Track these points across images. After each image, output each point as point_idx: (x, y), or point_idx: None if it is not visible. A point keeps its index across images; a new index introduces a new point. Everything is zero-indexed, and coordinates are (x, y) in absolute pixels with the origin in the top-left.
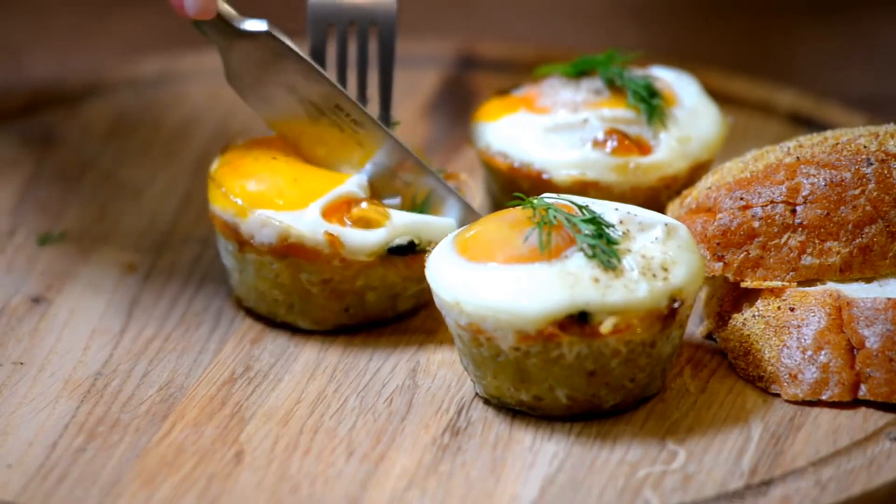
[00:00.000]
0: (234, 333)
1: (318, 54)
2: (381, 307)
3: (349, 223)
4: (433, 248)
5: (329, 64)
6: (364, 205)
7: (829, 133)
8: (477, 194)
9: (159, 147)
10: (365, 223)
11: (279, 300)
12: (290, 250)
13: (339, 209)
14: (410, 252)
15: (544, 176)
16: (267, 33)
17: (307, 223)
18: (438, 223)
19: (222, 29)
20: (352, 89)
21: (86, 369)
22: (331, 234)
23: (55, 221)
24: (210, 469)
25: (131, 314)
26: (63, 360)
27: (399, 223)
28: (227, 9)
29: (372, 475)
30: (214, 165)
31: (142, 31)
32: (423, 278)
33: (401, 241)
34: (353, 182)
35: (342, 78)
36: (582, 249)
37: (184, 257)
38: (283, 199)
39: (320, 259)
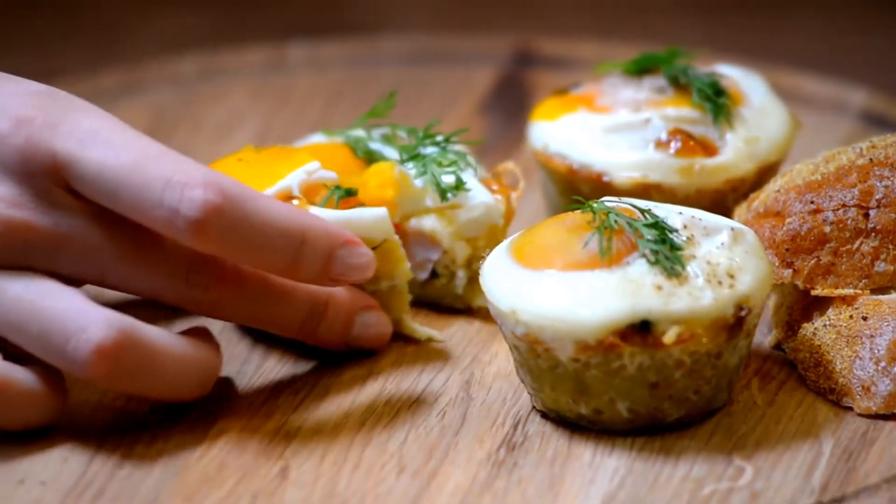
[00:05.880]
0: (279, 345)
1: None
2: None
3: None
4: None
5: None
6: (294, 202)
7: None
8: (522, 184)
9: (200, 147)
10: None
11: None
12: None
13: None
14: None
15: (605, 178)
16: None
17: None
18: (365, 217)
19: None
20: None
21: None
22: None
23: None
24: (254, 486)
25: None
26: None
27: None
28: None
29: (424, 492)
30: None
31: (181, 27)
32: (375, 277)
33: None
34: (291, 178)
35: None
36: (644, 255)
37: None
38: None
39: None
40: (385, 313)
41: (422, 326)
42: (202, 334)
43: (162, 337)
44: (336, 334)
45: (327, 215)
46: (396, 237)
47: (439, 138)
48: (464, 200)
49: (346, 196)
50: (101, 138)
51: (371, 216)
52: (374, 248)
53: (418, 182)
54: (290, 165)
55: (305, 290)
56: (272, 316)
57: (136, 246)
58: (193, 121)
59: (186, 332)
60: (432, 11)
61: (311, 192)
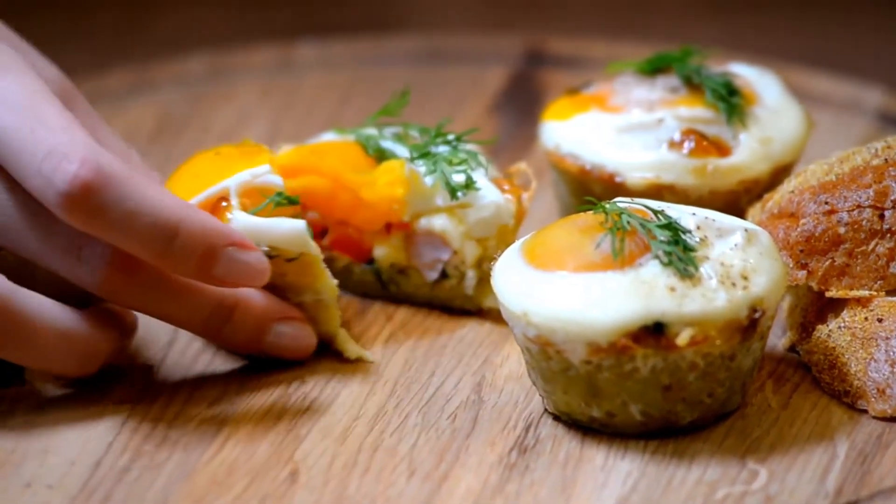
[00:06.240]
0: None
1: None
2: None
3: None
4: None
5: None
6: (224, 203)
7: None
8: (534, 185)
9: (208, 148)
10: None
11: None
12: None
13: (206, 209)
14: None
15: (617, 179)
16: None
17: None
18: (280, 228)
19: None
20: None
21: (131, 383)
22: None
23: None
24: (263, 489)
25: None
26: (107, 373)
27: (236, 227)
28: None
29: (435, 496)
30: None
31: (189, 26)
32: (297, 289)
33: None
34: (233, 179)
35: None
36: (657, 257)
37: None
38: (178, 195)
39: None
40: (309, 326)
41: (355, 345)
42: (104, 314)
43: (42, 308)
44: (244, 339)
45: (244, 221)
46: (317, 251)
47: (451, 137)
48: (474, 200)
49: (289, 204)
50: (7, 100)
51: (286, 228)
52: (291, 260)
53: (428, 180)
54: (250, 165)
55: (211, 289)
56: (169, 310)
57: (36, 212)
58: (202, 121)
59: (91, 309)
60: (443, 10)
61: (253, 195)
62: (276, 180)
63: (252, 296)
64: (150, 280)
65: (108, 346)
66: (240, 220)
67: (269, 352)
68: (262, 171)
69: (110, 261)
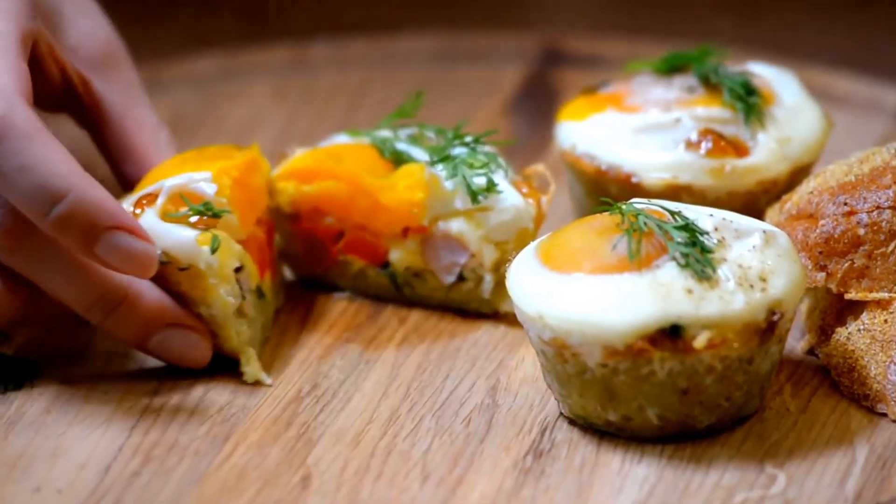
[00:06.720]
0: (300, 349)
1: None
2: None
3: None
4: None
5: None
6: (144, 202)
7: None
8: (552, 187)
9: None
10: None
11: None
12: None
13: (140, 206)
14: None
15: (634, 179)
16: None
17: None
18: (171, 236)
19: None
20: None
21: (141, 386)
22: None
23: None
24: (275, 494)
25: None
26: (117, 376)
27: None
28: None
29: (449, 501)
30: None
31: (201, 24)
32: (191, 300)
33: None
34: (169, 181)
35: None
36: (674, 258)
37: None
38: (138, 188)
39: None
40: (204, 337)
41: (256, 368)
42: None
43: None
44: (129, 334)
45: (146, 222)
46: (207, 266)
47: (468, 139)
48: (494, 203)
49: (213, 217)
50: None
51: (177, 237)
52: (183, 270)
53: (448, 184)
54: (201, 168)
55: (102, 275)
56: (55, 284)
57: None
58: (214, 121)
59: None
60: (457, 9)
61: (176, 201)
62: (209, 190)
63: (145, 295)
64: (39, 248)
65: (8, 303)
66: (143, 220)
67: (156, 354)
68: (200, 178)
69: (1, 220)
